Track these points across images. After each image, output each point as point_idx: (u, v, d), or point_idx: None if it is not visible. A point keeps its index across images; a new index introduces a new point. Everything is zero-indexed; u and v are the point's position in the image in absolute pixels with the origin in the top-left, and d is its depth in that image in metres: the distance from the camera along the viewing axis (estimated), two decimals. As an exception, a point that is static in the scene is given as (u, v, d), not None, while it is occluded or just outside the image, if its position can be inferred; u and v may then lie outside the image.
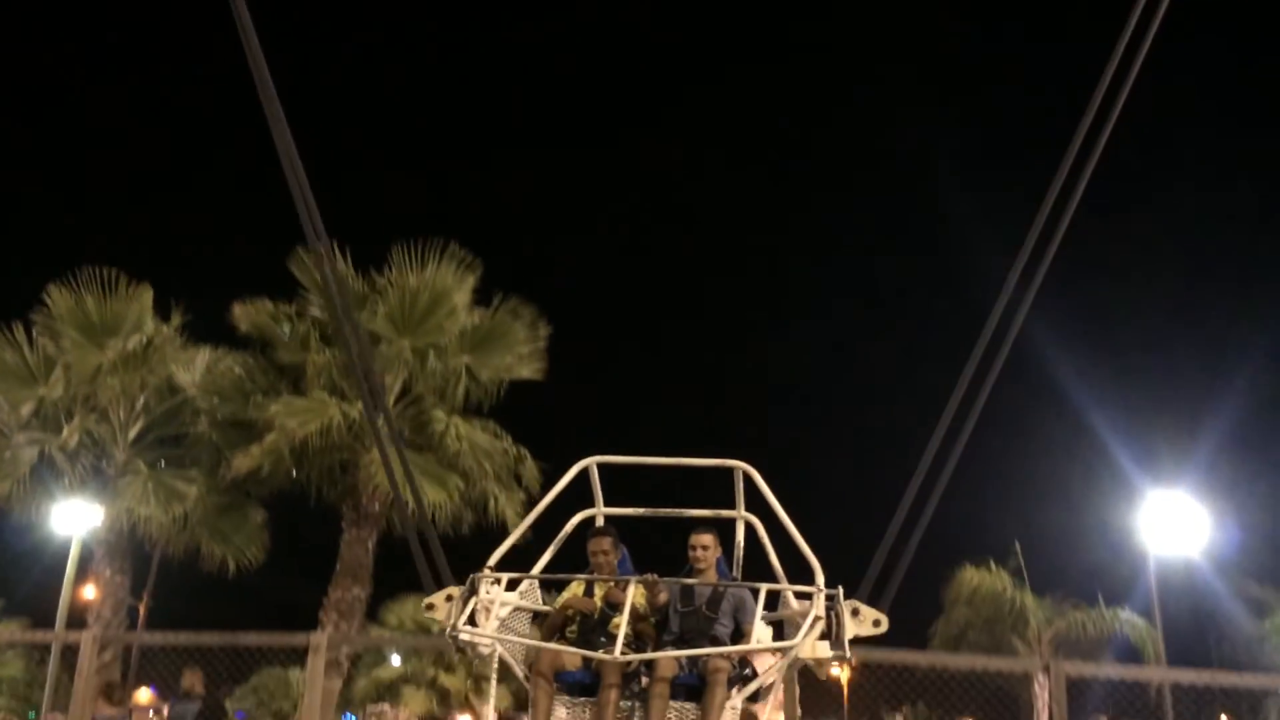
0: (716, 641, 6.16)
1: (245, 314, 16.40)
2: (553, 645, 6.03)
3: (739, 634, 6.25)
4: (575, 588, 6.55)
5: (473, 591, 5.83)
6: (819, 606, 5.58)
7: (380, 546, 16.27)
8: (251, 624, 9.77)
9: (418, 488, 7.30)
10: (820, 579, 5.92)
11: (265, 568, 17.17)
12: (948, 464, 5.48)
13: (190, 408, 16.50)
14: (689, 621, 6.26)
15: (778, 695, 6.07)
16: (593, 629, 6.16)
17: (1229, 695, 19.78)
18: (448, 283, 16.00)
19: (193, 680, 12.01)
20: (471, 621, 5.73)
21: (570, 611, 6.36)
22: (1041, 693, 23.68)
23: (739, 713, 5.88)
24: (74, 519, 22.92)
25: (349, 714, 22.58)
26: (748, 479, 6.68)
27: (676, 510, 6.92)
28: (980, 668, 15.41)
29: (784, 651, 5.73)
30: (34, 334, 16.17)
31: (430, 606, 5.94)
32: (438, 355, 15.85)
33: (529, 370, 16.76)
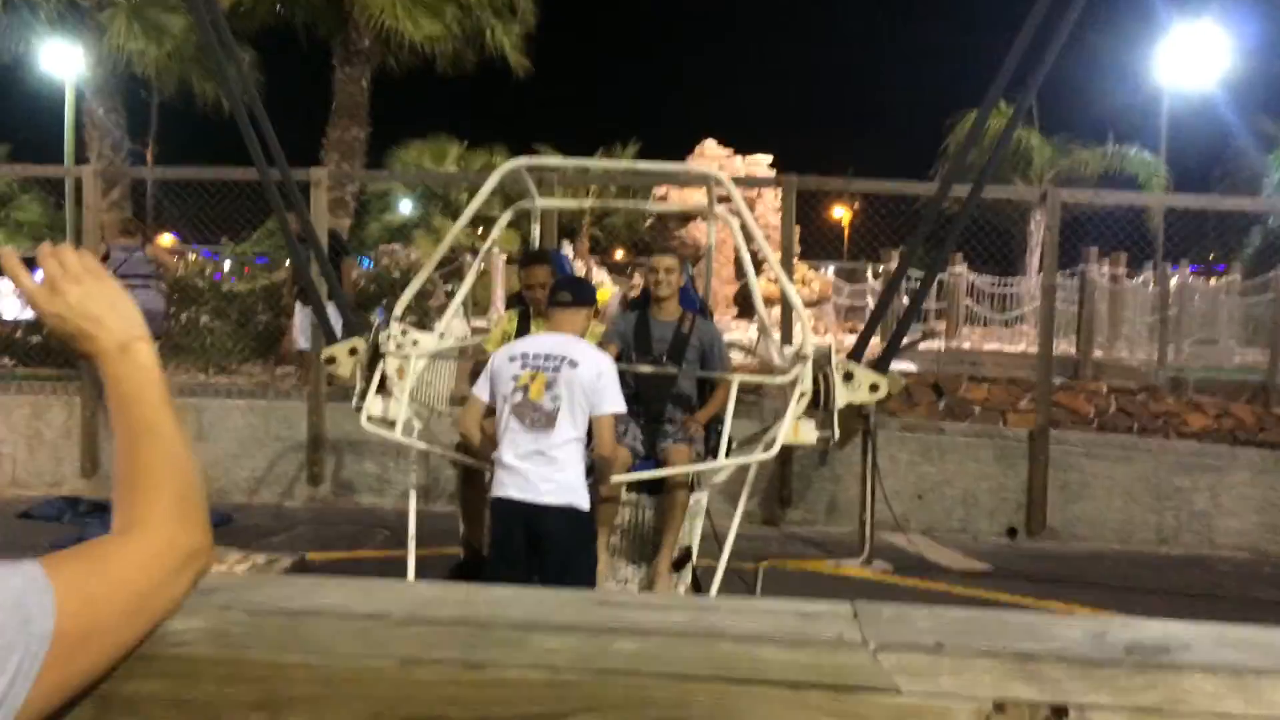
0: (681, 399, 5.26)
1: None
2: (464, 459, 4.82)
3: (707, 381, 5.35)
4: (506, 325, 5.58)
5: (376, 352, 4.83)
6: (805, 380, 4.52)
7: (376, 86, 15.87)
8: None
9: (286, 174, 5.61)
10: (809, 329, 4.89)
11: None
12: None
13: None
14: (645, 376, 5.25)
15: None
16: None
17: (1223, 224, 20.10)
18: None
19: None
20: (383, 385, 4.81)
21: None
22: (1037, 229, 24.14)
23: (702, 510, 4.92)
24: (60, 59, 22.49)
25: (363, 257, 23.33)
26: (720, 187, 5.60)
27: (629, 163, 5.58)
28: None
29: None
30: None
31: (331, 360, 4.95)
32: None
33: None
